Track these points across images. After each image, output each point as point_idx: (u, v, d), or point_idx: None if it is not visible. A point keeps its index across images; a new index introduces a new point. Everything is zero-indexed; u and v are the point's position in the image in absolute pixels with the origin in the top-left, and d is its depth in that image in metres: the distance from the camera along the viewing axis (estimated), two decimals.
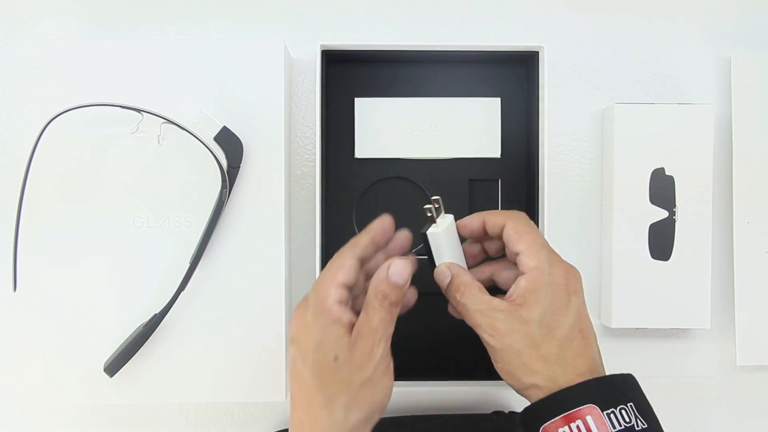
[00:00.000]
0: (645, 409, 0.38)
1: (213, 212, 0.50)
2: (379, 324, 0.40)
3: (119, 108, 0.48)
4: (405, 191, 0.55)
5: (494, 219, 0.43)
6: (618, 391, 0.38)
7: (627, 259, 0.55)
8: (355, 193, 0.55)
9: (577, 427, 0.36)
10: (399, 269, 0.40)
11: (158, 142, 0.49)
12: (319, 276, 0.41)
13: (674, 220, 0.55)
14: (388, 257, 0.43)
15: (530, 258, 0.40)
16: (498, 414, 0.56)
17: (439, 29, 0.58)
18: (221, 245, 0.51)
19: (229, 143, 0.50)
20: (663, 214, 0.55)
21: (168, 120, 0.48)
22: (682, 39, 0.58)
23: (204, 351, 0.51)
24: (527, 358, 0.39)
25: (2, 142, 0.57)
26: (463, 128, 0.55)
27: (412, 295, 0.44)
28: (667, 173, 0.55)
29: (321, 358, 0.39)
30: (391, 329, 0.41)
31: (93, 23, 0.57)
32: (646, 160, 0.55)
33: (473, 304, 0.42)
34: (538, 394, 0.39)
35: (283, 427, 0.57)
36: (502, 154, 0.55)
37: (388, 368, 0.41)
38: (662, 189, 0.55)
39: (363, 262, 0.42)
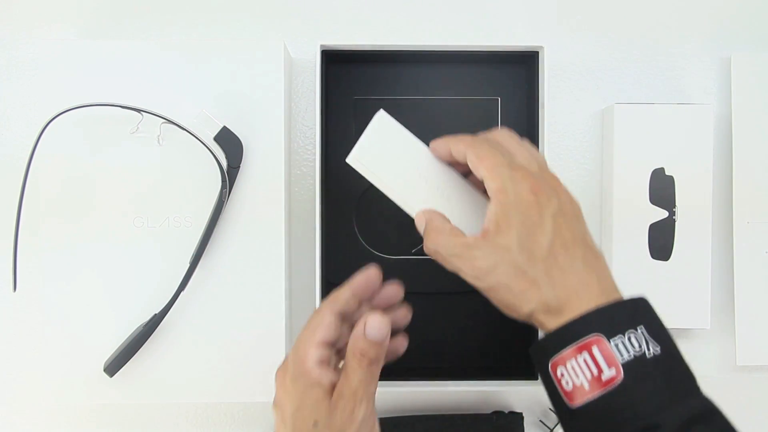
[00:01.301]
0: (657, 331, 0.36)
1: (213, 212, 0.50)
2: (358, 385, 0.38)
3: (119, 108, 0.48)
4: None
5: (458, 147, 0.41)
6: (625, 316, 0.36)
7: (627, 259, 0.55)
8: (355, 193, 0.55)
9: (584, 360, 0.35)
10: (376, 324, 0.38)
11: (158, 142, 0.49)
12: (299, 335, 0.40)
13: (674, 220, 0.55)
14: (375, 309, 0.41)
15: (492, 180, 0.38)
16: (498, 414, 0.56)
17: (439, 29, 0.58)
18: (221, 245, 0.51)
19: (229, 143, 0.50)
20: (663, 214, 0.55)
21: (168, 120, 0.48)
22: (682, 39, 0.58)
23: (204, 351, 0.51)
24: (517, 288, 0.37)
25: (2, 142, 0.57)
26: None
27: (400, 344, 0.43)
28: (667, 173, 0.55)
29: (300, 424, 0.38)
30: (372, 388, 0.39)
31: (93, 23, 0.57)
32: (646, 160, 0.55)
33: (448, 249, 0.40)
34: (539, 319, 0.37)
35: None
36: None
37: (372, 429, 0.39)
38: (662, 189, 0.55)
39: (344, 317, 0.40)
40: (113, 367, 0.49)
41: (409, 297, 0.55)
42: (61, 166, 0.50)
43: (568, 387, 0.35)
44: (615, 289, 0.38)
